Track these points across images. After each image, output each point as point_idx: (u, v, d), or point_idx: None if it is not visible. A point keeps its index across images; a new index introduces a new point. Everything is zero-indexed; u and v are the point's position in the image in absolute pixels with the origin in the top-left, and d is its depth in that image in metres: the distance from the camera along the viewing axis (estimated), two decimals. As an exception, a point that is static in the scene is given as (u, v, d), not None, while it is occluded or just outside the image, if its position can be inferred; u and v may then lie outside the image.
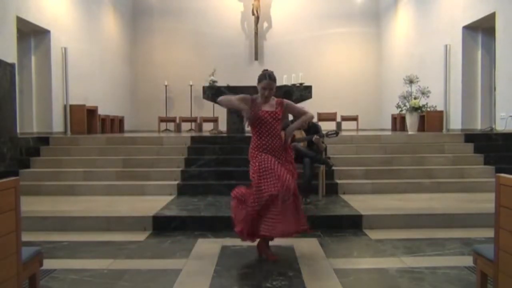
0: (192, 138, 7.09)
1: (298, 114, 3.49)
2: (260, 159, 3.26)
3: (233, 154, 6.43)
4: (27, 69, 8.67)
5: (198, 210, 4.65)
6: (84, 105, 9.55)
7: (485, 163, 6.36)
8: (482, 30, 9.18)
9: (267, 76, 3.34)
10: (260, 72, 3.42)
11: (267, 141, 3.28)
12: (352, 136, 7.38)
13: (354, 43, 14.11)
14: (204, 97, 8.31)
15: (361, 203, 4.92)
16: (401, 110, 9.55)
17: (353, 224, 4.34)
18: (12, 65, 6.55)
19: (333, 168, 5.80)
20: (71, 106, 9.35)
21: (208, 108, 12.87)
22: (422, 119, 9.61)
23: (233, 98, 3.40)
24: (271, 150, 3.27)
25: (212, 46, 13.83)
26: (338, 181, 5.83)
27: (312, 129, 5.27)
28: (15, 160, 6.30)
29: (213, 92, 8.00)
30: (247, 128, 3.62)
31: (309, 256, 3.45)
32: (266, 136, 3.28)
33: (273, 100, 3.35)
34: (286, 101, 3.39)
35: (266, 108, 3.31)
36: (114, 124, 11.30)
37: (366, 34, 14.11)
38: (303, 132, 5.23)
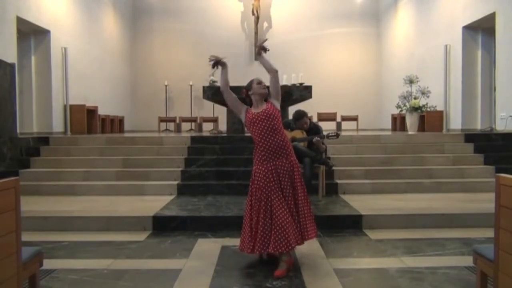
0: (192, 138, 7.09)
1: (273, 86, 3.29)
2: (252, 200, 3.22)
3: (233, 154, 6.43)
4: (27, 69, 8.68)
5: (198, 210, 4.65)
6: (84, 105, 9.55)
7: (485, 163, 6.36)
8: (482, 30, 9.18)
9: (255, 77, 3.38)
10: (257, 74, 3.44)
11: (268, 140, 3.20)
12: (352, 136, 7.37)
13: (354, 43, 14.11)
14: (204, 97, 8.30)
15: (361, 203, 4.91)
16: (401, 110, 9.55)
17: (353, 224, 4.33)
18: (12, 65, 6.56)
19: (333, 168, 5.80)
20: (71, 106, 9.36)
21: (208, 108, 12.87)
22: (422, 119, 9.61)
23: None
24: (268, 151, 3.18)
25: (212, 46, 13.75)
26: (338, 181, 5.83)
27: (313, 129, 5.27)
28: (15, 160, 6.30)
29: (213, 92, 8.00)
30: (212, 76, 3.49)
31: (309, 256, 3.45)
32: (258, 137, 3.22)
33: (264, 104, 3.30)
34: (271, 98, 3.31)
35: (258, 110, 3.26)
36: (114, 124, 11.31)
37: (366, 34, 14.12)
38: (304, 133, 5.22)
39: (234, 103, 3.38)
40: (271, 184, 3.15)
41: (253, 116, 3.24)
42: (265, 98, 3.32)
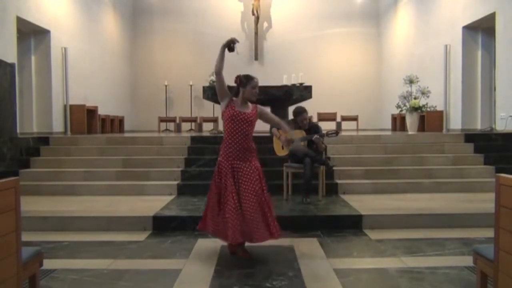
0: (192, 138, 7.09)
1: (274, 121, 3.65)
2: (214, 191, 3.35)
3: (233, 154, 6.42)
4: (27, 69, 8.67)
5: (198, 210, 4.64)
6: (84, 105, 9.55)
7: (485, 163, 6.36)
8: (482, 30, 9.18)
9: (255, 78, 3.43)
10: (257, 74, 3.50)
11: (238, 141, 3.32)
12: (352, 136, 7.37)
13: (354, 43, 14.10)
14: (204, 97, 8.30)
15: (361, 203, 4.91)
16: (401, 110, 9.55)
17: (353, 224, 4.34)
18: (12, 65, 6.56)
19: (333, 168, 5.80)
20: (71, 106, 9.36)
21: (208, 108, 12.87)
22: (422, 119, 9.61)
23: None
24: (240, 150, 3.32)
25: (212, 46, 13.68)
26: (338, 181, 5.83)
27: (312, 128, 5.28)
28: (15, 160, 6.30)
29: (213, 92, 8.00)
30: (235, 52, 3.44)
31: (309, 256, 3.45)
32: (238, 136, 3.32)
33: (249, 105, 3.43)
34: (259, 106, 3.48)
35: (242, 109, 3.37)
36: (114, 124, 11.31)
37: (366, 34, 14.11)
38: (303, 132, 5.23)
39: (221, 89, 3.42)
40: (225, 181, 3.28)
41: (236, 113, 3.33)
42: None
